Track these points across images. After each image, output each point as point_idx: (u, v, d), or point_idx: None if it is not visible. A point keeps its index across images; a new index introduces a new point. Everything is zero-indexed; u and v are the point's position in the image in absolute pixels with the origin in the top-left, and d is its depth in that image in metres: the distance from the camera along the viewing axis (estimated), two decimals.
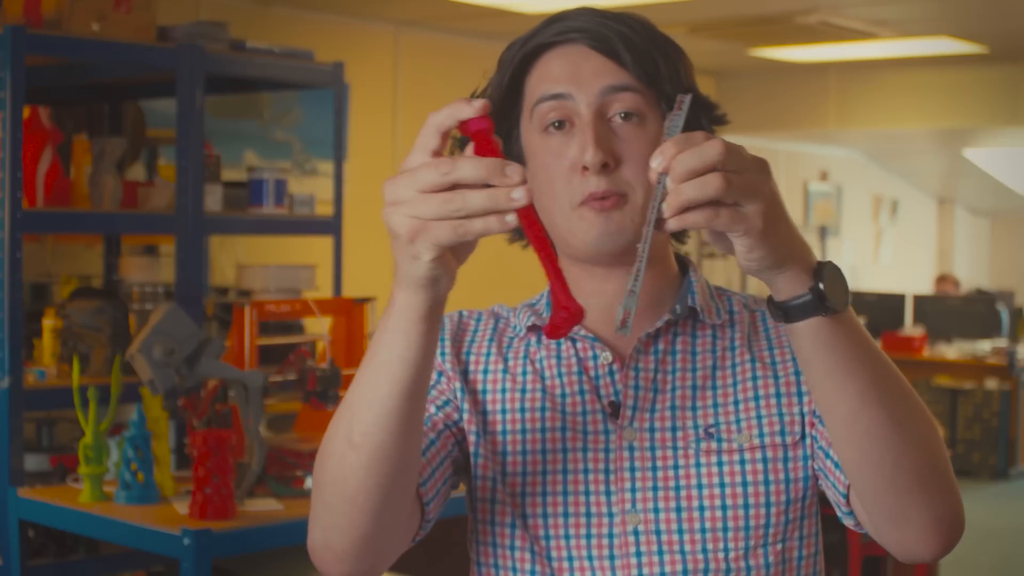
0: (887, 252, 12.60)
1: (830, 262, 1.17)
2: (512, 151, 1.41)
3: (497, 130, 1.40)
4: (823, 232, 10.60)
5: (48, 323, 3.77)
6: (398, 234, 1.08)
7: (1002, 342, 9.00)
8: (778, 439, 1.36)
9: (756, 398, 1.38)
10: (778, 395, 1.38)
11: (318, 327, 3.77)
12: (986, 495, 8.15)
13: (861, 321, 8.06)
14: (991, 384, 8.66)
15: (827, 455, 1.33)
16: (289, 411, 3.75)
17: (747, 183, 1.08)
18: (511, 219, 1.04)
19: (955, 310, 9.38)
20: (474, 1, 6.67)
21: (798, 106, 9.81)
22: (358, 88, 6.82)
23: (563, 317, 1.07)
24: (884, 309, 9.52)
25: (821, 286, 1.14)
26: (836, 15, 7.12)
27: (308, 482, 3.10)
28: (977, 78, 9.09)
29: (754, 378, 1.38)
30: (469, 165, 1.04)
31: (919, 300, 9.64)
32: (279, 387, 3.41)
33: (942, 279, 11.30)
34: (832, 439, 1.23)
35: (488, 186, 1.04)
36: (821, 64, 9.08)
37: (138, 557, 3.67)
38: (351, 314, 3.82)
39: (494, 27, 7.42)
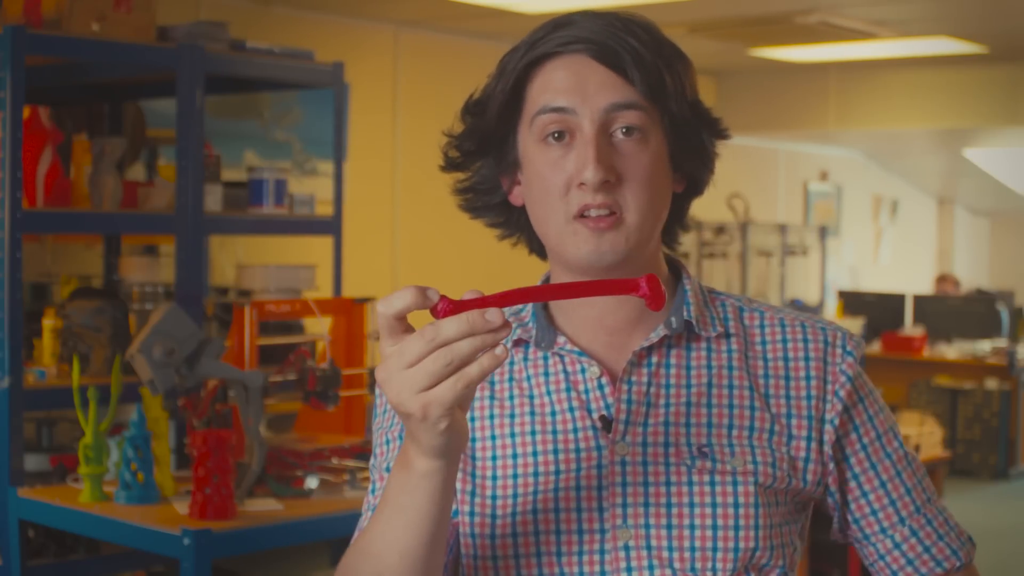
0: (887, 252, 12.60)
1: None
2: (508, 157, 1.38)
3: (494, 135, 1.38)
4: (823, 232, 10.60)
5: (48, 323, 3.77)
6: (411, 415, 1.12)
7: (1002, 342, 9.00)
8: (770, 470, 1.34)
9: (751, 429, 1.35)
10: (771, 431, 1.35)
11: (318, 327, 3.76)
12: (986, 495, 8.14)
13: (860, 321, 7.92)
14: (991, 384, 8.65)
15: (863, 532, 1.42)
16: (289, 411, 3.76)
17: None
18: (500, 351, 1.09)
19: (955, 310, 9.38)
20: (474, 1, 6.67)
21: (798, 106, 9.81)
22: (358, 88, 6.83)
23: (645, 296, 1.16)
24: (884, 309, 9.52)
25: None
26: (836, 15, 7.12)
27: (308, 482, 3.10)
28: (977, 78, 9.09)
29: (752, 408, 1.36)
30: (451, 324, 1.09)
31: (919, 300, 9.64)
32: (279, 387, 3.40)
33: (942, 279, 11.30)
34: None
35: None
36: (821, 64, 9.08)
37: (138, 557, 3.67)
38: (351, 314, 3.82)
39: (494, 27, 7.42)
